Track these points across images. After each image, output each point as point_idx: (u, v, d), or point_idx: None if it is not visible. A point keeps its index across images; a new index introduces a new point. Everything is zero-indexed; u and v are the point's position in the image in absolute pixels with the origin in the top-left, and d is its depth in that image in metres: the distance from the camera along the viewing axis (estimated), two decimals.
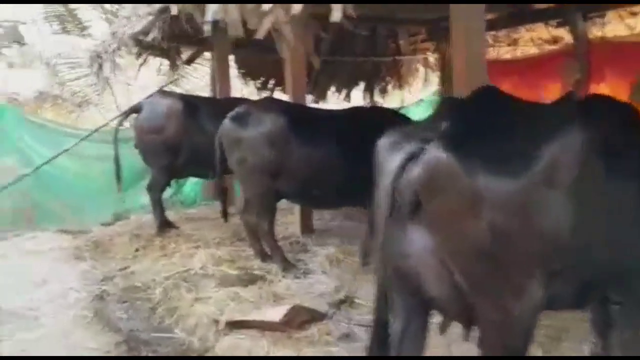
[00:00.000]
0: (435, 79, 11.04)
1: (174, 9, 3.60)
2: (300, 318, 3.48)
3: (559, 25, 7.81)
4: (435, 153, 1.85)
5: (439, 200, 1.87)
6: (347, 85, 10.31)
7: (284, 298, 4.14)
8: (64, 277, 5.22)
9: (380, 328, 2.24)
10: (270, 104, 4.84)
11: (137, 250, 6.04)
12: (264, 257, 4.99)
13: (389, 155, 2.00)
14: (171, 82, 11.92)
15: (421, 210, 1.91)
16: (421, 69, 10.87)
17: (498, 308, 1.83)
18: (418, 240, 1.91)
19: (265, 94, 9.69)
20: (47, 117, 11.02)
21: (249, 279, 4.52)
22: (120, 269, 5.47)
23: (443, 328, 2.23)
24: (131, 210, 8.44)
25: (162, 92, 6.66)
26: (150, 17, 4.00)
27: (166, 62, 8.71)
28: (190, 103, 6.29)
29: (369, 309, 3.87)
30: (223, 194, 5.06)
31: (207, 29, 2.99)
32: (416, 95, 11.31)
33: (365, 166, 4.65)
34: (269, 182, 4.59)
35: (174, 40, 7.12)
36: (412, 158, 1.90)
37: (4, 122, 8.43)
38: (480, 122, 1.95)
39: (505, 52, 9.41)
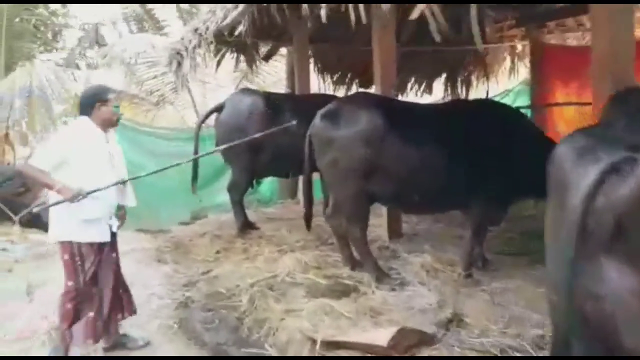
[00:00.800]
0: (521, 68, 10.33)
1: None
2: (408, 342, 3.08)
3: None
4: None
5: None
6: (428, 76, 9.76)
7: (381, 313, 3.75)
8: (147, 281, 5.07)
9: None
10: (363, 99, 4.44)
11: (218, 252, 5.86)
12: (353, 264, 4.63)
13: (578, 166, 1.54)
14: (244, 78, 11.89)
15: (623, 240, 1.44)
16: (507, 57, 10.15)
17: None
18: (617, 279, 1.45)
19: (342, 89, 9.36)
20: (125, 116, 11.22)
21: (342, 290, 4.17)
22: (202, 272, 5.28)
23: None
24: (209, 209, 8.36)
25: (244, 90, 6.45)
26: (239, 10, 3.70)
27: (240, 58, 8.49)
28: (273, 100, 6.03)
29: (481, 330, 3.45)
30: (308, 200, 4.69)
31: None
32: (502, 85, 10.56)
33: (470, 166, 4.27)
34: (363, 184, 4.21)
35: (252, 36, 6.89)
36: (615, 171, 1.43)
37: None
38: None
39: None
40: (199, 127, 6.22)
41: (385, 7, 5.06)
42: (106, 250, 3.49)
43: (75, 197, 3.19)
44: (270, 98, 6.10)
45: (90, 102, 3.42)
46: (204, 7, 6.65)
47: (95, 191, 3.26)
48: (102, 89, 3.57)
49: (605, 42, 2.97)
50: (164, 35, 11.08)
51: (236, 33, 4.16)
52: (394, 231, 5.53)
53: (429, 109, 4.86)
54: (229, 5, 4.15)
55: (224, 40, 6.38)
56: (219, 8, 4.68)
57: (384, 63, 5.21)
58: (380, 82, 5.22)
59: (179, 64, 6.80)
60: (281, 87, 11.72)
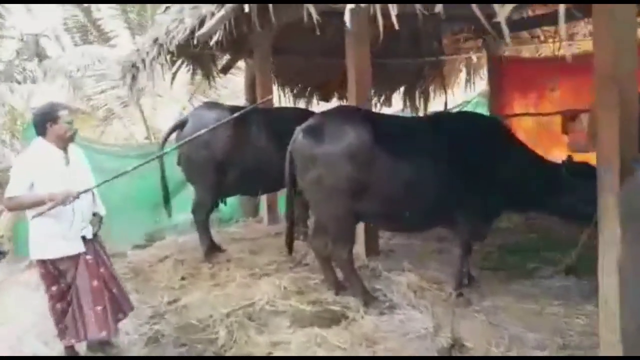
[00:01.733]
0: (478, 80, 10.46)
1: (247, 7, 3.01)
2: None
3: None
4: None
5: None
6: (387, 88, 9.69)
7: (377, 342, 3.52)
8: None
9: None
10: (348, 113, 4.20)
11: (183, 278, 5.45)
12: (338, 288, 4.36)
13: None
14: (196, 91, 11.47)
15: None
16: (463, 69, 10.24)
17: None
18: None
19: (302, 102, 9.14)
20: None
21: (329, 317, 3.91)
22: (169, 302, 4.86)
23: None
24: (165, 229, 7.87)
25: (208, 104, 6.07)
26: (217, 17, 3.40)
27: (196, 71, 8.10)
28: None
29: (484, 355, 3.27)
30: (290, 221, 4.39)
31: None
32: (458, 97, 10.65)
33: (458, 180, 4.13)
34: (350, 203, 3.96)
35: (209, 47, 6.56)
36: None
37: (29, 140, 7.91)
38: None
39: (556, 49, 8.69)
40: (164, 143, 5.81)
41: (362, 16, 4.94)
42: (88, 257, 3.55)
43: (67, 198, 3.30)
44: (236, 112, 5.76)
45: (42, 123, 3.42)
46: (162, 17, 6.26)
47: (86, 191, 3.44)
48: (51, 107, 3.52)
49: (607, 48, 2.88)
50: (111, 47, 10.49)
51: (212, 42, 3.82)
52: (372, 248, 5.31)
53: (415, 123, 4.72)
54: (203, 12, 3.82)
55: (183, 52, 6.04)
56: (187, 16, 4.35)
57: (359, 75, 5.03)
58: (356, 95, 5.02)
59: (134, 77, 6.39)
60: (236, 100, 11.39)
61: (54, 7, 10.70)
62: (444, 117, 4.59)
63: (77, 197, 3.35)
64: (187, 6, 4.58)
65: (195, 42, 4.36)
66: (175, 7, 4.79)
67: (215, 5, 3.59)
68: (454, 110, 9.51)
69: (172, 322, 4.44)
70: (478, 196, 3.99)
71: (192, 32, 4.31)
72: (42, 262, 3.48)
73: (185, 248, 6.47)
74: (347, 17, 2.39)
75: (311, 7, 2.85)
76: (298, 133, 4.07)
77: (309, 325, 3.81)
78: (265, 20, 4.03)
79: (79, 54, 9.47)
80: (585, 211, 4.21)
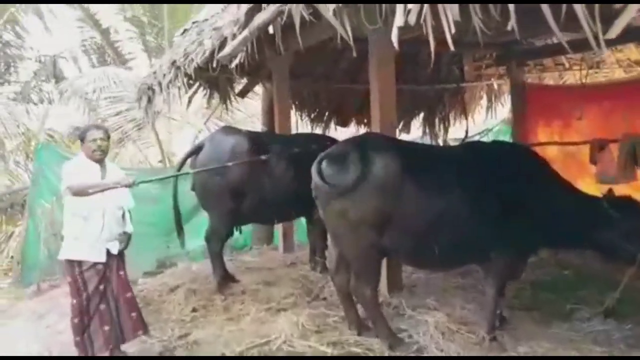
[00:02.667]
0: (499, 107, 10.23)
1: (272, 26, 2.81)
2: None
3: None
4: None
5: None
6: (406, 115, 9.49)
7: None
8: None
9: None
10: (374, 140, 3.95)
11: (194, 310, 5.20)
12: (360, 328, 4.07)
13: None
14: (212, 115, 11.33)
15: None
16: (484, 96, 10.02)
17: None
18: None
19: (319, 127, 8.95)
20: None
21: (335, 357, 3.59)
22: (179, 336, 4.61)
23: None
24: (177, 256, 7.65)
25: (226, 128, 5.87)
26: (240, 38, 3.22)
27: (213, 94, 7.94)
28: (258, 140, 5.50)
29: None
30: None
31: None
32: (478, 125, 10.40)
33: (493, 214, 3.82)
34: (376, 237, 3.70)
35: (226, 71, 6.41)
36: None
37: (40, 161, 7.81)
38: None
39: (583, 77, 8.45)
40: (181, 167, 5.60)
41: (387, 38, 4.76)
42: (112, 272, 3.92)
43: (133, 182, 3.91)
44: (255, 138, 5.57)
45: (80, 140, 3.97)
46: (179, 40, 6.16)
47: (148, 181, 4.45)
48: (84, 128, 4.08)
49: None
50: (128, 69, 10.43)
51: (232, 65, 3.64)
52: (394, 284, 5.01)
53: (445, 151, 4.46)
54: (224, 33, 3.65)
55: (201, 75, 5.88)
56: (207, 38, 4.18)
57: (383, 100, 4.79)
58: (380, 121, 4.79)
59: (150, 100, 6.25)
60: (251, 125, 11.26)
61: (72, 28, 10.74)
62: (477, 146, 4.32)
63: (136, 184, 3.93)
64: (206, 28, 4.42)
65: (214, 64, 4.19)
66: (194, 29, 4.64)
67: (237, 26, 3.41)
68: (487, 139, 9.28)
69: None
70: (514, 231, 3.71)
71: (212, 54, 4.14)
72: (70, 265, 3.82)
73: (198, 277, 6.22)
74: (394, 36, 2.17)
75: (340, 27, 2.63)
76: (320, 161, 3.84)
77: None
78: (288, 43, 3.88)
79: (96, 75, 9.40)
80: (628, 249, 3.93)
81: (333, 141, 5.71)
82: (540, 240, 3.97)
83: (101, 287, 3.87)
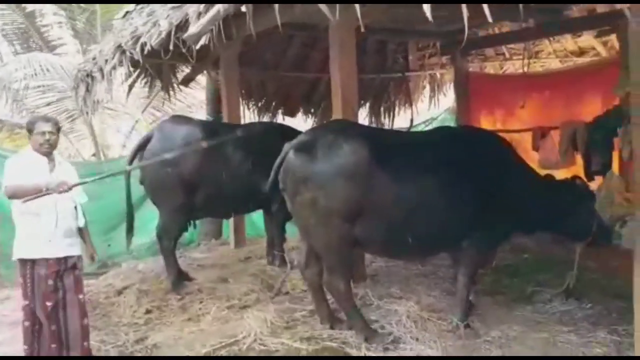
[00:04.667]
0: (441, 97, 10.38)
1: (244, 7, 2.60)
2: None
3: (600, 34, 7.19)
4: None
5: None
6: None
7: None
8: None
9: None
10: (343, 127, 3.79)
11: (148, 312, 4.86)
12: (333, 322, 3.94)
13: None
14: (149, 104, 10.80)
15: None
16: (427, 86, 10.14)
17: None
18: None
19: (266, 117, 8.71)
20: (7, 148, 9.63)
21: (330, 357, 3.46)
22: (136, 340, 4.28)
23: None
24: (118, 255, 7.20)
25: (176, 117, 5.52)
26: (209, 17, 2.96)
27: (154, 82, 7.52)
28: (211, 130, 5.21)
29: None
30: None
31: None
32: (422, 114, 10.53)
33: (466, 201, 3.67)
34: (347, 228, 3.57)
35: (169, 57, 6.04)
36: None
37: None
38: None
39: (524, 66, 8.70)
40: (131, 162, 5.19)
41: (349, 26, 4.63)
42: (67, 273, 3.65)
43: (62, 185, 3.47)
44: (206, 127, 5.28)
45: (27, 132, 3.73)
46: (120, 23, 5.73)
47: (80, 183, 3.75)
48: (31, 120, 3.81)
49: None
50: (57, 56, 9.66)
51: (199, 45, 3.36)
52: (359, 274, 4.92)
53: (415, 138, 4.38)
54: (189, 12, 3.36)
55: (147, 60, 5.50)
56: (162, 18, 3.86)
57: (345, 89, 4.67)
58: (342, 110, 4.65)
59: (88, 88, 5.77)
60: (190, 115, 10.79)
61: None
62: (446, 132, 4.27)
63: (70, 188, 3.52)
64: (159, 9, 4.10)
65: (170, 47, 3.87)
66: (145, 10, 4.30)
67: (202, 5, 3.15)
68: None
69: None
70: (489, 219, 3.70)
71: (168, 36, 3.83)
72: (22, 265, 3.60)
73: (147, 276, 5.87)
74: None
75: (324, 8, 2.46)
76: (288, 150, 3.65)
77: None
78: (239, 29, 3.65)
79: (21, 62, 8.61)
80: (584, 230, 4.07)
81: (291, 130, 5.54)
82: (514, 227, 4.00)
83: (56, 287, 3.61)
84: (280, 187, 3.80)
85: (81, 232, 3.86)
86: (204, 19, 3.04)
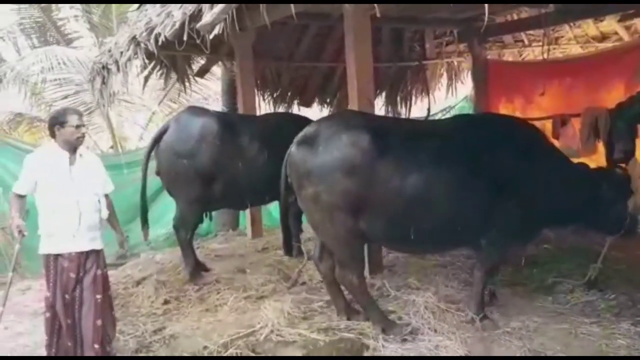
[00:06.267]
0: (459, 85, 10.24)
1: None
2: None
3: (623, 18, 7.00)
4: None
5: None
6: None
7: None
8: None
9: None
10: (346, 118, 3.72)
11: (166, 302, 4.89)
12: (350, 314, 3.91)
13: None
14: (166, 97, 10.82)
15: None
16: (445, 74, 10.00)
17: None
18: None
19: (282, 108, 8.68)
20: (27, 141, 9.76)
21: (348, 348, 3.45)
22: (154, 330, 4.31)
23: None
24: (138, 246, 7.26)
25: (193, 108, 5.50)
26: (221, 6, 2.93)
27: (170, 74, 7.51)
28: (228, 121, 5.20)
29: None
30: (287, 245, 4.00)
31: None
32: (440, 102, 10.40)
33: (484, 194, 3.55)
34: (352, 222, 3.50)
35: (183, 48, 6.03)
36: None
37: None
38: None
39: (543, 53, 8.53)
40: (148, 156, 5.21)
41: (365, 14, 4.56)
42: (99, 272, 3.66)
43: (15, 227, 3.49)
44: (223, 118, 5.27)
45: (51, 126, 3.62)
46: (135, 15, 5.73)
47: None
48: (60, 112, 3.69)
49: None
50: (74, 49, 9.72)
51: (212, 34, 3.34)
52: (375, 265, 4.89)
53: (429, 127, 4.28)
54: (192, 5, 3.34)
55: (161, 52, 5.50)
56: (175, 9, 3.84)
57: (360, 78, 4.61)
58: (358, 99, 4.60)
59: (105, 80, 5.80)
60: (207, 107, 10.80)
61: (6, 6, 9.86)
62: (463, 120, 4.16)
63: (23, 232, 3.47)
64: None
65: (184, 37, 3.85)
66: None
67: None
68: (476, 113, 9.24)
69: (161, 354, 3.91)
70: (511, 215, 3.56)
71: (182, 26, 3.80)
72: (46, 259, 3.59)
73: (165, 267, 5.91)
74: None
75: None
76: (293, 144, 3.61)
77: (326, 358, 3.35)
78: (253, 18, 3.62)
79: (39, 56, 8.69)
80: (618, 224, 3.92)
81: (307, 121, 5.49)
82: (545, 221, 3.85)
83: (77, 281, 3.60)
84: (288, 180, 3.78)
85: (110, 221, 3.88)
86: (217, 8, 3.01)
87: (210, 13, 3.14)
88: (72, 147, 3.59)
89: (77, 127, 3.54)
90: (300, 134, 3.73)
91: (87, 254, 3.62)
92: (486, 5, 2.66)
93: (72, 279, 3.57)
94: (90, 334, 3.56)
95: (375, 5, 2.63)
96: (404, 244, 3.83)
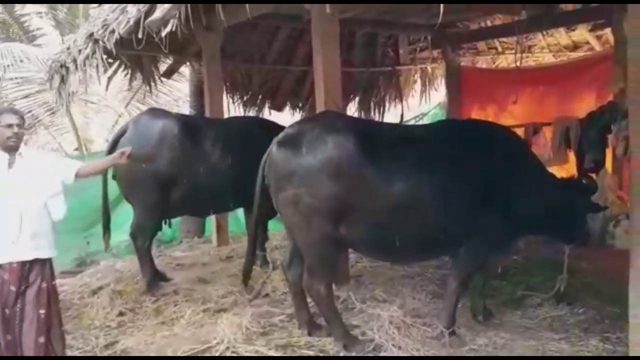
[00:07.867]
0: (432, 92, 10.17)
1: None
2: None
3: (594, 28, 7.01)
4: None
5: None
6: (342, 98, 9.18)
7: None
8: None
9: None
10: (330, 120, 3.56)
11: (121, 314, 4.64)
12: (312, 329, 3.73)
13: None
14: (133, 97, 10.52)
15: None
16: (418, 80, 9.92)
17: None
18: None
19: (252, 111, 8.47)
20: None
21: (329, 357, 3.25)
22: (105, 345, 4.07)
23: None
24: (98, 253, 6.96)
25: (153, 111, 5.27)
26: (169, 5, 2.74)
27: (135, 75, 7.24)
28: (190, 124, 4.98)
29: None
30: (251, 248, 3.80)
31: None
32: (413, 109, 10.31)
33: (466, 201, 3.35)
34: (332, 228, 3.34)
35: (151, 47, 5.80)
36: None
37: None
38: None
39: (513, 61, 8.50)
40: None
41: (332, 17, 4.40)
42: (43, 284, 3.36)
43: None
44: (186, 121, 5.05)
45: None
46: (97, 12, 5.48)
47: None
48: None
49: None
50: (37, 47, 9.36)
51: (164, 33, 3.13)
52: (342, 275, 4.69)
53: (412, 131, 4.14)
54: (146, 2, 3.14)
55: (122, 50, 5.26)
56: (130, 6, 3.63)
57: (328, 81, 4.46)
58: (325, 103, 4.44)
59: (63, 79, 5.53)
60: (177, 109, 10.55)
61: None
62: (447, 125, 4.03)
63: None
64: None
65: (140, 35, 3.64)
66: None
67: None
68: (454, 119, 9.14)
69: None
70: (493, 222, 3.45)
71: (137, 23, 3.59)
72: None
73: (123, 276, 5.65)
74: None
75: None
76: (273, 145, 3.44)
77: None
78: (217, 18, 3.44)
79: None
80: (579, 233, 3.90)
81: (274, 125, 5.30)
82: (519, 231, 3.78)
83: (18, 294, 3.31)
84: (265, 182, 3.60)
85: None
86: (168, 5, 2.82)
87: (160, 8, 2.94)
88: (8, 148, 3.33)
89: (9, 125, 3.29)
90: (282, 134, 3.56)
91: (30, 264, 3.33)
92: (441, 5, 2.54)
93: (13, 292, 3.29)
94: (32, 352, 3.30)
95: (327, 5, 2.49)
96: (385, 251, 3.68)
